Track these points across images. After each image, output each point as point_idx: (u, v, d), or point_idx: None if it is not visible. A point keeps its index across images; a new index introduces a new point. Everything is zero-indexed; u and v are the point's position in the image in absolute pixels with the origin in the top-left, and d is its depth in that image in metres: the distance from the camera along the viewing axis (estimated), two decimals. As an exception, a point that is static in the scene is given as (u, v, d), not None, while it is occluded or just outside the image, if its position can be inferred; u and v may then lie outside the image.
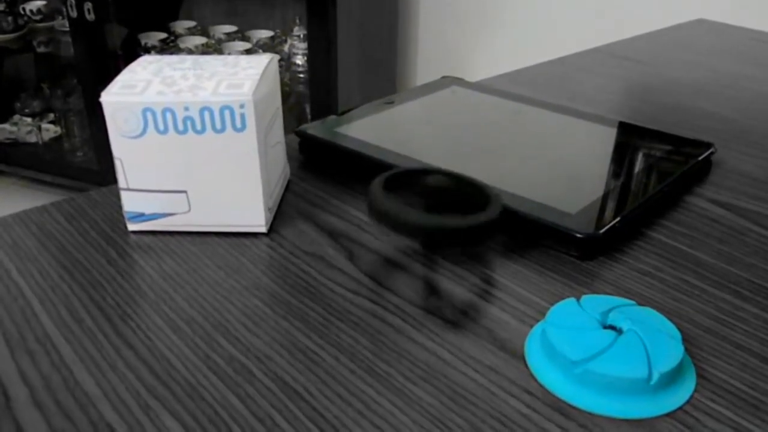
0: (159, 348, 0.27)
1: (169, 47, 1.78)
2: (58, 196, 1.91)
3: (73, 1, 1.63)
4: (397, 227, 0.29)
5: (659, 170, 0.40)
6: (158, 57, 0.36)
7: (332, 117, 0.45)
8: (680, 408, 0.25)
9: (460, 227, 0.29)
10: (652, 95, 0.58)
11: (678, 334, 0.26)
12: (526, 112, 0.48)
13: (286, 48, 1.74)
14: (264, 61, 0.35)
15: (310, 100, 1.66)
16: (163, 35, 1.80)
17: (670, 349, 0.25)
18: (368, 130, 0.43)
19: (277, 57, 0.37)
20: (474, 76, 1.72)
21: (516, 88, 0.58)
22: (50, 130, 2.01)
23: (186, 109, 0.31)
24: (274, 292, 0.30)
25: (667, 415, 0.24)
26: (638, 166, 0.40)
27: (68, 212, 0.37)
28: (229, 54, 1.69)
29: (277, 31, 1.81)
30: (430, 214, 0.29)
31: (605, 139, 0.44)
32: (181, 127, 0.32)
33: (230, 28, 1.82)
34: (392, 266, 0.32)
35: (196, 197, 0.34)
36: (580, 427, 0.24)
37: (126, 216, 0.34)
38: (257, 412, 0.24)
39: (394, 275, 0.32)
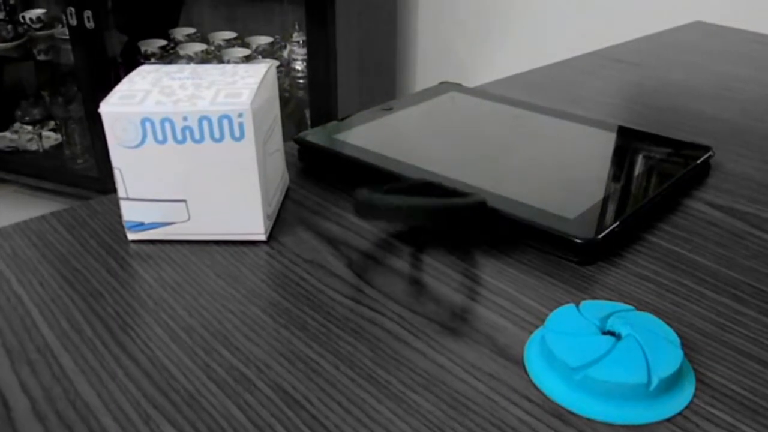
0: (159, 358, 0.27)
1: (168, 54, 1.78)
2: (59, 204, 1.91)
3: (73, 9, 1.64)
4: (380, 213, 0.31)
5: (658, 174, 0.40)
6: (157, 66, 0.36)
7: (332, 123, 0.45)
8: (680, 413, 0.25)
9: (438, 207, 0.31)
10: (649, 98, 0.58)
11: (677, 339, 0.26)
12: (525, 117, 0.48)
13: (285, 54, 1.74)
14: (262, 69, 0.36)
15: (309, 106, 1.66)
16: (163, 42, 1.80)
17: (669, 354, 0.25)
18: (367, 137, 0.43)
19: (275, 63, 0.38)
20: (473, 81, 1.72)
21: (514, 93, 0.58)
22: (51, 137, 2.01)
23: (185, 118, 0.31)
24: (273, 301, 0.30)
25: (667, 420, 0.24)
26: (637, 170, 0.40)
27: (68, 222, 0.37)
28: (229, 60, 1.70)
29: (277, 36, 1.81)
30: (411, 197, 0.31)
31: (603, 143, 0.44)
32: (179, 136, 0.32)
33: (230, 35, 1.82)
34: (392, 273, 0.33)
35: (195, 206, 0.34)
36: (579, 434, 0.24)
37: (125, 225, 0.34)
38: (257, 422, 0.24)
39: (394, 282, 0.32)
